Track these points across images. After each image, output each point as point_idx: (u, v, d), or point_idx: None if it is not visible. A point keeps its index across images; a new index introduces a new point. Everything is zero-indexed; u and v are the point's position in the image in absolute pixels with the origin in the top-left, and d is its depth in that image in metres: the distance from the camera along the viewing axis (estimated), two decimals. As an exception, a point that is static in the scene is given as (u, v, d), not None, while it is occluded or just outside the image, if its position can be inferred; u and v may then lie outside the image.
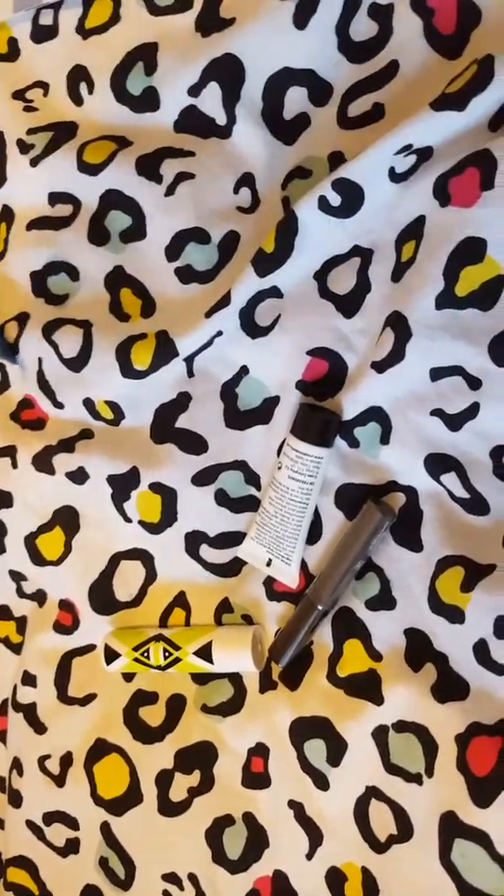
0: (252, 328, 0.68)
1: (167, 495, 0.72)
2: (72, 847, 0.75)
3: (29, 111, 0.77)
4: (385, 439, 0.64)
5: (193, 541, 0.72)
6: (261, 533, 0.67)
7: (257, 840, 0.68)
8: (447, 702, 0.60)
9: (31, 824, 0.77)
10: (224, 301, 0.67)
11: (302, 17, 0.65)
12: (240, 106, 0.69)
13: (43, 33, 0.77)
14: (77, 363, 0.72)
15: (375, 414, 0.64)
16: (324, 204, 0.63)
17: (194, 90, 0.71)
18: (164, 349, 0.69)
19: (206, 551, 0.71)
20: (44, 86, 0.78)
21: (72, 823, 0.75)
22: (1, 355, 0.75)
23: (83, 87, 0.76)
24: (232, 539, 0.71)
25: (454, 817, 0.59)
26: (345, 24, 0.65)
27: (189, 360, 0.70)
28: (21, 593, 0.81)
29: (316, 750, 0.65)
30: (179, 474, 0.71)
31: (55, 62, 0.77)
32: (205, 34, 0.70)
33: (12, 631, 0.82)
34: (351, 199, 0.63)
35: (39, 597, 0.79)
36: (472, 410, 0.61)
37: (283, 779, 0.67)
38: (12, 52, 0.79)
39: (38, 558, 0.78)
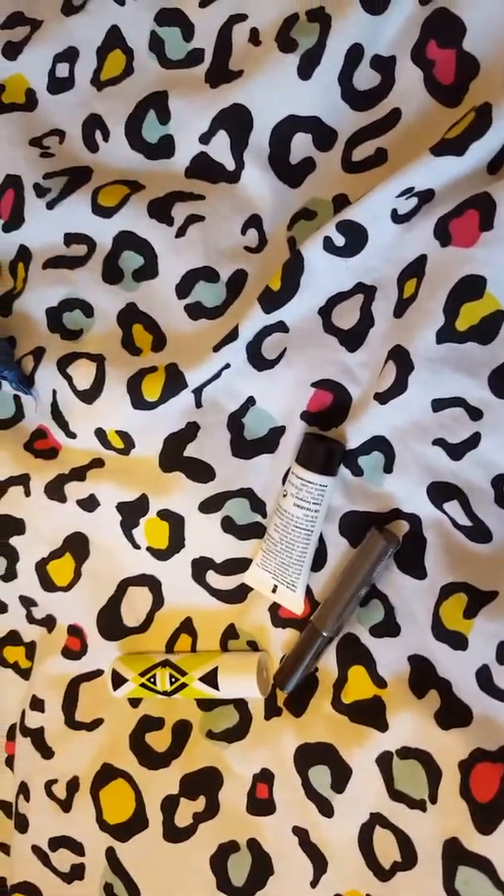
0: (259, 361, 0.71)
1: (175, 522, 0.73)
2: (77, 873, 0.75)
3: (45, 157, 0.81)
4: (388, 468, 0.66)
5: (200, 567, 0.73)
6: (266, 559, 0.69)
7: (262, 867, 0.68)
8: (450, 728, 0.61)
9: (36, 849, 0.77)
10: (232, 335, 0.69)
11: (306, 69, 0.69)
12: (248, 152, 0.73)
13: (59, 85, 0.81)
14: (90, 395, 0.75)
15: (379, 443, 0.66)
16: (329, 244, 0.66)
17: (204, 138, 0.74)
18: (174, 381, 0.71)
19: (213, 577, 0.73)
20: (60, 133, 0.81)
21: (77, 849, 0.75)
22: (17, 387, 0.78)
23: (98, 135, 0.79)
24: (238, 565, 0.72)
25: (457, 844, 0.59)
26: (348, 74, 0.69)
27: (197, 392, 0.73)
28: (31, 619, 0.82)
29: (320, 776, 0.66)
30: (187, 502, 0.73)
31: (71, 111, 0.81)
32: (214, 85, 0.74)
33: (21, 656, 0.83)
34: (355, 239, 0.66)
35: (48, 622, 0.80)
36: (474, 440, 0.62)
37: (287, 805, 0.67)
38: (30, 103, 0.82)
39: (48, 584, 0.79)
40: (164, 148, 0.76)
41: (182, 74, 0.76)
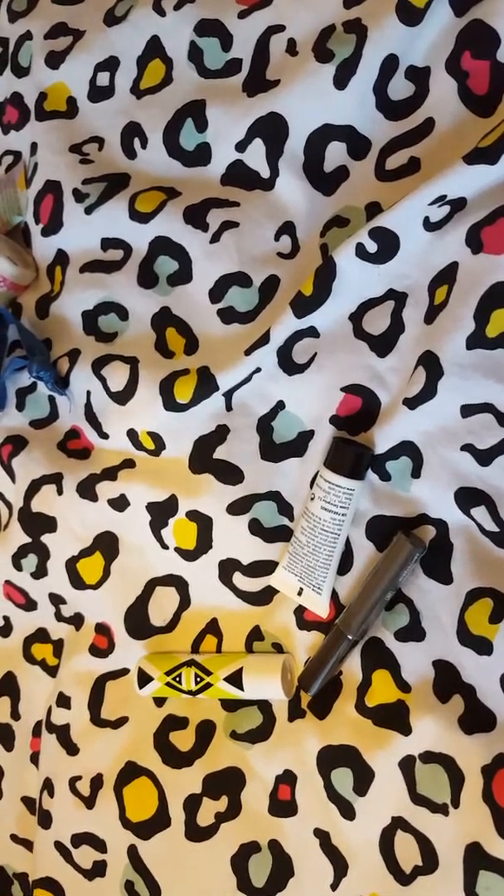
0: (289, 365, 0.71)
1: (203, 523, 0.74)
2: (98, 870, 0.76)
3: (85, 163, 0.82)
4: (416, 473, 0.66)
5: (227, 568, 0.74)
6: (293, 562, 0.69)
7: (282, 868, 0.68)
8: (474, 733, 0.61)
9: (59, 846, 0.78)
10: (263, 340, 0.70)
11: (342, 79, 0.70)
12: (283, 160, 0.74)
13: (99, 93, 0.83)
14: (123, 396, 0.76)
15: (407, 448, 0.66)
16: (361, 251, 0.67)
17: (240, 146, 0.76)
18: (206, 384, 0.72)
19: (239, 579, 0.73)
20: (99, 140, 0.83)
21: (99, 846, 0.76)
22: (52, 388, 0.79)
23: (136, 142, 0.81)
24: (264, 568, 0.72)
25: (479, 848, 0.59)
26: (383, 84, 0.70)
27: (228, 395, 0.74)
28: (59, 617, 0.83)
29: (343, 779, 0.66)
30: (215, 503, 0.73)
31: (110, 119, 0.83)
32: (251, 94, 0.75)
33: (49, 654, 0.84)
34: (387, 246, 0.66)
35: (77, 620, 0.81)
36: (502, 446, 0.62)
37: (309, 807, 0.67)
38: (71, 110, 0.85)
39: (78, 582, 0.80)
40: (201, 155, 0.78)
41: (220, 84, 0.78)
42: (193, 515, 0.74)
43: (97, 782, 0.77)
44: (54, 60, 0.84)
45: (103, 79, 0.83)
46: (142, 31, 0.81)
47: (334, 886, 0.65)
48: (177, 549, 0.76)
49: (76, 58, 0.83)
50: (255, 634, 0.73)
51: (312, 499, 0.67)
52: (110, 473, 0.78)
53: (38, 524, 0.81)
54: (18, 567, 0.83)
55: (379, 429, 0.67)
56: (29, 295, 0.86)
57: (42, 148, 0.84)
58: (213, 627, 0.75)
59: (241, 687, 0.70)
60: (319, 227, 0.73)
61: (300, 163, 0.73)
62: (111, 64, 0.82)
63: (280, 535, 0.72)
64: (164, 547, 0.76)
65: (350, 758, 0.66)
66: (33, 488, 0.81)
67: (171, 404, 0.74)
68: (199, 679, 0.71)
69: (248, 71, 0.76)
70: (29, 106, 0.88)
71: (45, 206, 0.83)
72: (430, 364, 0.63)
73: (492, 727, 0.61)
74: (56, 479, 0.80)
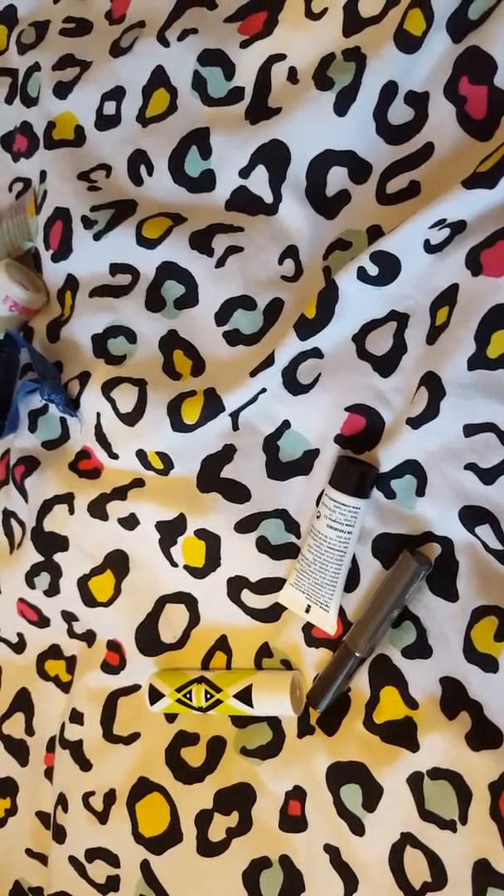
0: (294, 386, 0.73)
1: (211, 541, 0.75)
2: (112, 884, 0.76)
3: (93, 190, 0.84)
4: (420, 491, 0.67)
5: (235, 586, 0.75)
6: (300, 580, 0.70)
7: (293, 884, 0.68)
8: (481, 750, 0.62)
9: (73, 860, 0.79)
10: (268, 361, 0.71)
11: (342, 106, 0.71)
12: (285, 186, 0.75)
13: (106, 122, 0.85)
14: (132, 417, 0.77)
15: (411, 467, 0.67)
16: (363, 274, 0.68)
17: (244, 172, 0.77)
18: (212, 405, 0.74)
19: (248, 596, 0.74)
20: (106, 168, 0.85)
21: (113, 861, 0.77)
22: (63, 410, 0.81)
23: (143, 170, 0.83)
24: (272, 585, 0.73)
25: (487, 865, 0.60)
26: (383, 109, 0.71)
27: (234, 415, 0.75)
28: (72, 633, 0.84)
29: (352, 795, 0.67)
30: (223, 521, 0.74)
31: (117, 147, 0.84)
32: (253, 122, 0.77)
33: (62, 670, 0.85)
34: (388, 268, 0.67)
35: (89, 637, 0.83)
36: (505, 465, 0.63)
37: (319, 823, 0.68)
38: (79, 139, 0.86)
39: (89, 599, 0.81)
40: (206, 182, 0.79)
41: (223, 112, 0.79)
42: (202, 534, 0.75)
43: (110, 798, 0.78)
44: (62, 91, 0.86)
45: (110, 108, 0.85)
46: (147, 61, 0.82)
47: (344, 902, 0.66)
48: (186, 567, 0.77)
49: (83, 88, 0.85)
50: (264, 651, 0.74)
51: (318, 517, 0.68)
52: (120, 493, 0.79)
53: (50, 543, 0.82)
54: (31, 585, 0.84)
55: (383, 448, 0.68)
56: (40, 319, 0.88)
57: (51, 175, 0.86)
58: (222, 644, 0.76)
59: (250, 703, 0.71)
60: (322, 250, 0.74)
61: (302, 188, 0.75)
62: (117, 93, 0.84)
63: (287, 552, 0.73)
64: (174, 565, 0.77)
65: (359, 774, 0.66)
66: (45, 508, 0.82)
67: (178, 425, 0.75)
68: (209, 696, 0.72)
69: (251, 99, 0.78)
70: (38, 134, 0.90)
71: (54, 233, 0.84)
72: (432, 384, 0.64)
73: (499, 744, 0.61)
74: (68, 499, 0.81)
